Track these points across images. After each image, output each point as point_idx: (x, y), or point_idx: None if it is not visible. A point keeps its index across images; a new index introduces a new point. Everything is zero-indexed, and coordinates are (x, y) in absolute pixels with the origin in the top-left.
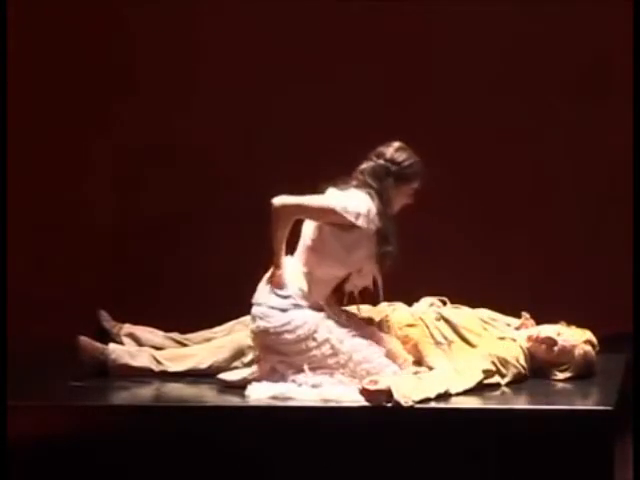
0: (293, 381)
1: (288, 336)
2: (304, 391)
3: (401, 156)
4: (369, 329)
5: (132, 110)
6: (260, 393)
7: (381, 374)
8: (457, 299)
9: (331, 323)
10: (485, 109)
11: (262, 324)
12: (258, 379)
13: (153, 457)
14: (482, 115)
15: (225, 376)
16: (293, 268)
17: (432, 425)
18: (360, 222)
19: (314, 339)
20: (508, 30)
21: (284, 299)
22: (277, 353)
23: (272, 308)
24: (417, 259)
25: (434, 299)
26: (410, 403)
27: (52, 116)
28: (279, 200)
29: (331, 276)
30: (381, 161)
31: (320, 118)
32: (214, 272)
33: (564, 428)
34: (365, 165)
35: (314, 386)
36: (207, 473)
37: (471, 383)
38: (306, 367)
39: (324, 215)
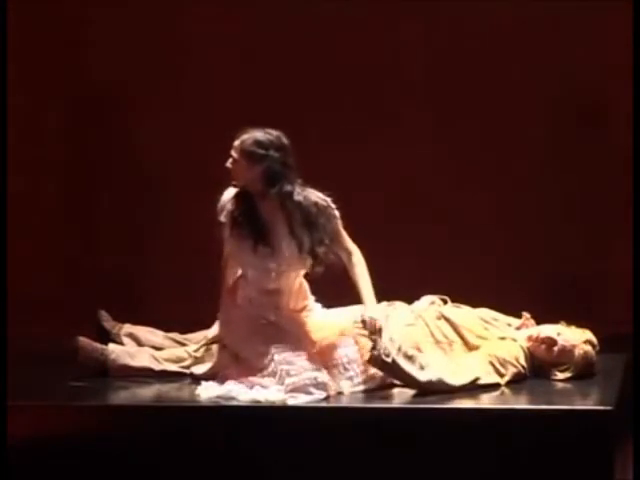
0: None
1: None
2: (243, 391)
3: (265, 138)
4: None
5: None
6: (208, 393)
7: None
8: (458, 298)
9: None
10: (486, 109)
11: None
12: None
13: (153, 457)
14: (483, 115)
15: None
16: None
17: (432, 425)
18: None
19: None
20: (507, 29)
21: None
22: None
23: None
24: (417, 258)
25: (435, 298)
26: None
27: (51, 116)
28: None
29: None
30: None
31: (314, 117)
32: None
33: (564, 428)
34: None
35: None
36: (207, 473)
37: (468, 378)
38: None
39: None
